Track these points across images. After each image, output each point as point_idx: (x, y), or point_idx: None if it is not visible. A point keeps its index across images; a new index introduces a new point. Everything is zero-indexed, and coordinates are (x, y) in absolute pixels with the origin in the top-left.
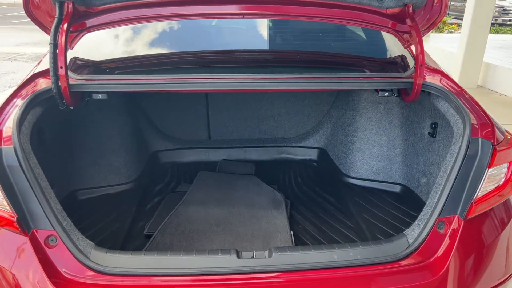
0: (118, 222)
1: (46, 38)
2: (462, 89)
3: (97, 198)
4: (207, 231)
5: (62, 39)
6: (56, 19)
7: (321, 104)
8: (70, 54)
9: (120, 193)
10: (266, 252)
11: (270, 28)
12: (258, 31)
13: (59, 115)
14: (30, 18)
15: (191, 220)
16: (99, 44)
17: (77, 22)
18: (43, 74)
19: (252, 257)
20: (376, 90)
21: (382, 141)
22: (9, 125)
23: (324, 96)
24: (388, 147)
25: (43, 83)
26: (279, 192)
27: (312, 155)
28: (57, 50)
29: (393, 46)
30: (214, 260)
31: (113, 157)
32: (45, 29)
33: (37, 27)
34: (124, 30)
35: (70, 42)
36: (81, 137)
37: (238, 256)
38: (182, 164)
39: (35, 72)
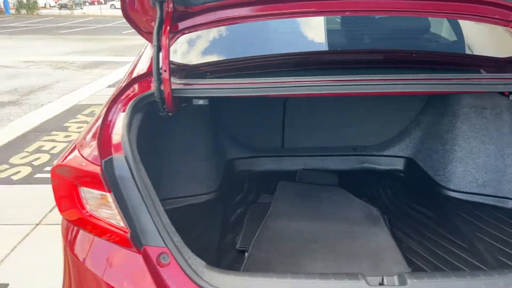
0: (207, 234)
1: (93, 47)
2: None
3: (182, 209)
4: (304, 248)
5: (165, 41)
6: (157, 20)
7: (406, 109)
8: None
9: (203, 204)
10: (395, 278)
11: (360, 26)
12: (350, 30)
13: (153, 122)
14: (126, 19)
15: (282, 235)
16: (189, 46)
17: (174, 23)
18: (141, 78)
19: (380, 284)
20: (503, 93)
21: (488, 151)
22: (117, 132)
23: (410, 100)
24: (496, 157)
25: (141, 88)
26: (373, 206)
27: (398, 165)
28: (161, 52)
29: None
30: (341, 286)
31: (196, 166)
32: (140, 30)
33: (95, 36)
34: (215, 31)
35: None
36: (165, 145)
37: (368, 282)
38: (257, 172)
39: (128, 75)
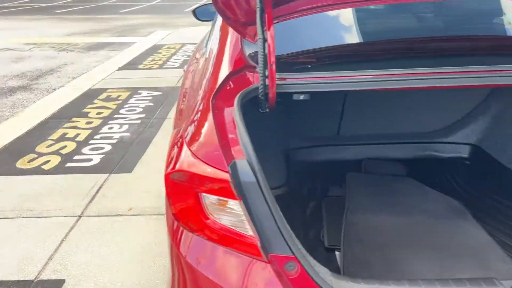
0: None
1: (93, 27)
2: None
3: None
4: (398, 246)
5: (271, 33)
6: (258, 10)
7: (470, 93)
8: (251, 49)
9: (278, 198)
10: None
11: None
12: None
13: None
14: (217, 10)
15: (369, 232)
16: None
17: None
18: (237, 73)
19: None
20: None
21: None
22: (232, 133)
23: None
24: None
25: (237, 83)
26: (455, 199)
27: (463, 152)
28: (267, 45)
29: None
30: None
31: (268, 159)
32: (229, 20)
33: (93, 16)
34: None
35: (254, 34)
36: None
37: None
38: (315, 163)
39: (213, 66)
